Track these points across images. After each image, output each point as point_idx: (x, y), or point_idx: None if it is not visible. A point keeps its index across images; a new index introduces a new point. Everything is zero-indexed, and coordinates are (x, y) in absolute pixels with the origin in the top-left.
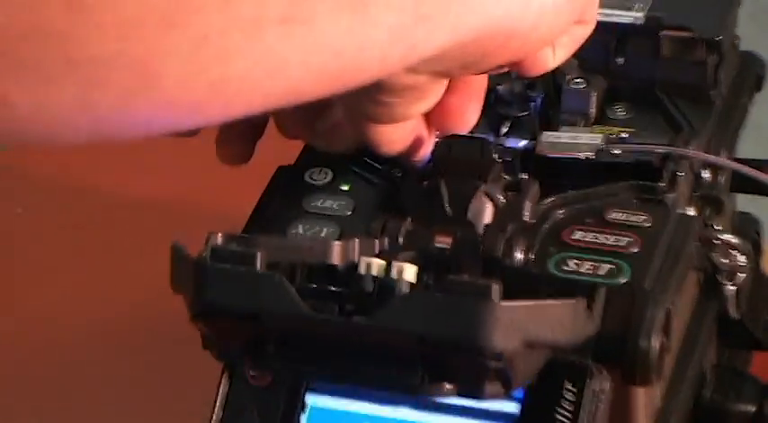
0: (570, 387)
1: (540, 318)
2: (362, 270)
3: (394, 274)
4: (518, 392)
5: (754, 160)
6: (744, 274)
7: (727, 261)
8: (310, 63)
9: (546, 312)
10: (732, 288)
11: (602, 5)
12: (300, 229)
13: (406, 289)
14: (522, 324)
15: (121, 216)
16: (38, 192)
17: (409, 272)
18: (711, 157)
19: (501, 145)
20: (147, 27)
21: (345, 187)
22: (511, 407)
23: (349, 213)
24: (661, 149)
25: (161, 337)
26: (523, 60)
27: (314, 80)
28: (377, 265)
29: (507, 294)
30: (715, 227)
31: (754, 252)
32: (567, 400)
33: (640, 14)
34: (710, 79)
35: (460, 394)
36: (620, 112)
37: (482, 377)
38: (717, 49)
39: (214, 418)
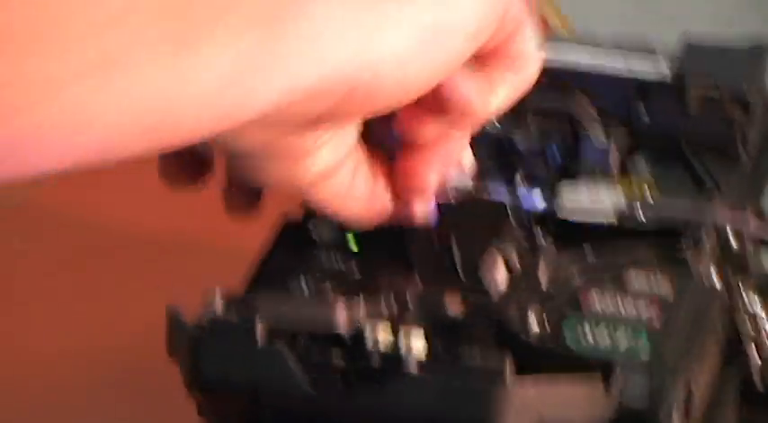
0: None
1: (554, 399)
2: (369, 344)
3: (402, 347)
4: None
5: None
6: None
7: (755, 330)
8: (128, 116)
9: (561, 393)
10: (758, 359)
11: (625, 57)
12: (305, 288)
13: (414, 364)
14: (536, 406)
15: (127, 251)
16: (43, 226)
17: (418, 345)
18: (737, 219)
19: (517, 204)
20: None
21: (352, 243)
22: None
23: (355, 270)
24: (685, 213)
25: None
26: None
27: (135, 133)
28: (384, 336)
29: (521, 367)
30: (741, 293)
31: None
32: None
33: (666, 70)
34: (738, 137)
35: None
36: (642, 165)
37: None
38: (745, 107)
39: None
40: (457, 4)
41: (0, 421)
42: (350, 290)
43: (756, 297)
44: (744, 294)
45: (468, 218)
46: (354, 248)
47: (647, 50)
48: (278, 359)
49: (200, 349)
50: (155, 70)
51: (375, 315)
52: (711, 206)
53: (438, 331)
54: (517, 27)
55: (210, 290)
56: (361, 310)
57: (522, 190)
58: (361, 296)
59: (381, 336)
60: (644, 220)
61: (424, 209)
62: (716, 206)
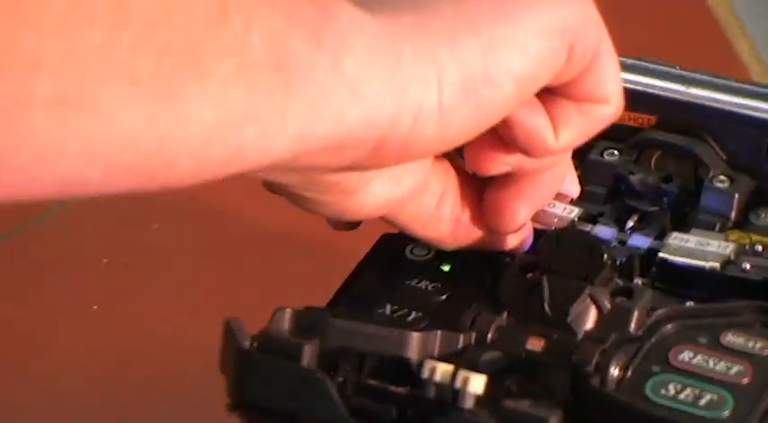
0: None
1: None
2: (426, 374)
3: (458, 383)
4: None
5: None
6: None
7: None
8: (93, 153)
9: None
10: None
11: (753, 98)
12: (388, 310)
13: (470, 401)
14: None
15: (255, 246)
16: (178, 212)
17: (476, 383)
18: None
19: (623, 241)
20: None
21: (445, 267)
22: None
23: (443, 298)
24: None
25: None
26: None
27: (103, 173)
28: (442, 370)
29: (590, 416)
30: None
31: None
32: None
33: None
34: None
35: None
36: (765, 218)
37: None
38: None
39: None
40: (508, 46)
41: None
42: (433, 315)
43: None
44: None
45: (564, 253)
46: (446, 268)
47: None
48: (319, 384)
49: (244, 367)
50: (121, 114)
51: (451, 347)
52: None
53: (515, 366)
54: (591, 63)
55: (281, 308)
56: (437, 341)
57: (630, 229)
58: (439, 327)
59: (439, 375)
60: (748, 270)
61: (515, 242)
62: None
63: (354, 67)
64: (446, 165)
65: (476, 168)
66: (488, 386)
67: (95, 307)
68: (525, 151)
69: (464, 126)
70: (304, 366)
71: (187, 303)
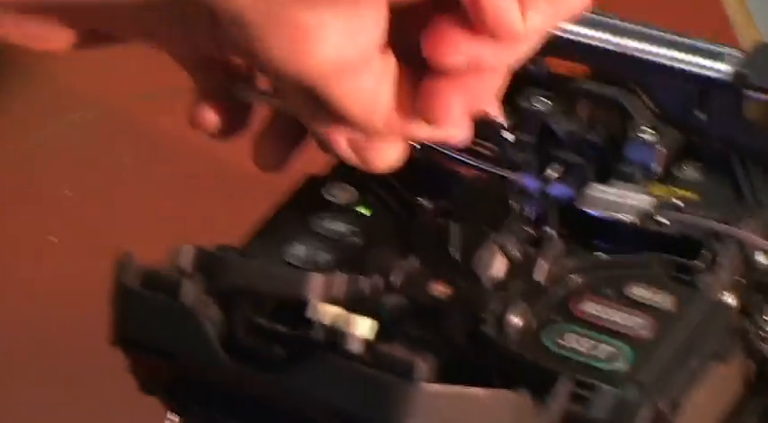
0: None
1: (468, 407)
2: (312, 315)
3: (345, 327)
4: None
5: None
6: None
7: None
8: None
9: (476, 402)
10: None
11: (687, 52)
12: (300, 252)
13: (356, 345)
14: (445, 412)
15: (224, 184)
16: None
17: (362, 327)
18: (759, 241)
19: (543, 191)
20: None
21: (364, 211)
22: None
23: (357, 241)
24: (707, 224)
25: None
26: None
27: None
28: (329, 313)
29: (486, 364)
30: (765, 318)
31: None
32: None
33: (726, 67)
34: None
35: None
36: (688, 172)
37: None
38: None
39: None
40: None
41: None
42: (344, 258)
43: None
44: (766, 319)
45: (475, 200)
46: (366, 212)
47: (718, 48)
48: (196, 322)
49: (126, 302)
50: None
51: (355, 291)
52: (745, 224)
53: (418, 312)
54: None
55: (185, 246)
56: (342, 284)
57: (552, 176)
58: (349, 272)
59: (327, 317)
60: (666, 224)
61: (442, 136)
62: (750, 224)
63: None
64: (389, 52)
65: (433, 55)
66: (384, 331)
67: (55, 239)
68: (492, 32)
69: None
70: (182, 304)
71: (150, 238)
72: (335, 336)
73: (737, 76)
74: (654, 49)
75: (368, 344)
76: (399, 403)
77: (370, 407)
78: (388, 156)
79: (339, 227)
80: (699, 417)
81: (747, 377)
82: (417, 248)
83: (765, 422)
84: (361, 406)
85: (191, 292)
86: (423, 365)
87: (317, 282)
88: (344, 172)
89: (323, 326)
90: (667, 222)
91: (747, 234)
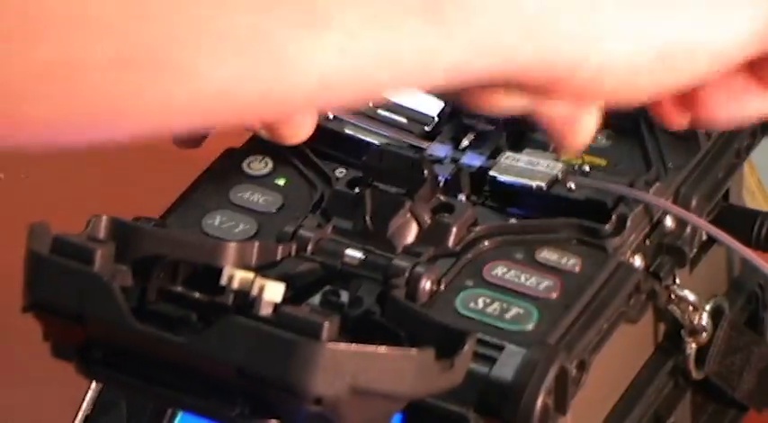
0: None
1: (372, 365)
2: (224, 281)
3: (255, 291)
4: None
5: (747, 210)
6: (705, 333)
7: (687, 317)
8: (175, 109)
9: (379, 361)
10: (692, 346)
11: None
12: (216, 221)
13: (267, 309)
14: (350, 370)
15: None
16: None
17: (272, 291)
18: (667, 205)
19: (456, 159)
20: None
21: (280, 181)
22: None
23: (274, 211)
24: (615, 189)
25: None
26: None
27: (195, 123)
28: (240, 278)
29: (393, 330)
30: (675, 280)
31: (742, 307)
32: None
33: None
34: None
35: None
36: (598, 140)
37: (304, 419)
38: None
39: (81, 410)
40: (716, 23)
41: None
42: (261, 227)
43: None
44: (676, 281)
45: (387, 168)
46: (281, 182)
47: None
48: (104, 286)
49: (35, 267)
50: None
51: (269, 258)
52: (653, 188)
53: (330, 278)
54: None
55: (99, 215)
56: (254, 251)
57: (465, 147)
58: (260, 240)
59: (237, 282)
60: (575, 190)
61: None
62: (658, 189)
63: (536, 8)
64: None
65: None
66: (296, 296)
67: None
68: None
69: (644, 89)
70: (91, 269)
71: (74, 216)
72: (245, 300)
73: None
74: None
75: (276, 307)
76: (304, 362)
77: (276, 366)
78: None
79: (256, 197)
80: (607, 376)
81: (657, 339)
82: (332, 217)
83: (675, 382)
84: (267, 366)
85: (101, 258)
86: (327, 325)
87: (229, 249)
88: (261, 144)
89: (233, 290)
90: (574, 187)
91: (654, 197)
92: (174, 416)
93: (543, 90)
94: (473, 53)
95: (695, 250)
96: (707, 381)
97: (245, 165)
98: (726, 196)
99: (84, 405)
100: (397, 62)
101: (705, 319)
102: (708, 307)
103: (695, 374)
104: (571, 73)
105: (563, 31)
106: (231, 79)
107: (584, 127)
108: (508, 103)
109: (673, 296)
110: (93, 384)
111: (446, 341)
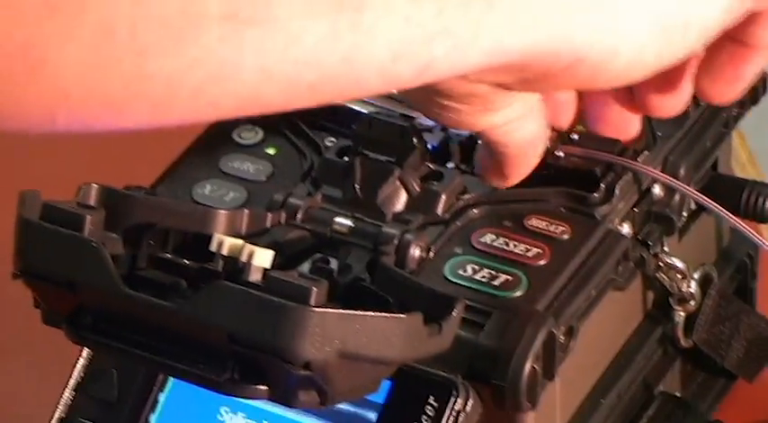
0: (432, 402)
1: (360, 329)
2: (214, 247)
3: (245, 257)
4: (378, 399)
5: (736, 179)
6: (693, 301)
7: (675, 285)
8: (273, 72)
9: (367, 325)
10: (681, 314)
11: None
12: (207, 190)
13: (256, 275)
14: (338, 334)
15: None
16: None
17: (261, 257)
18: (655, 173)
19: (444, 129)
20: (25, 10)
21: (271, 151)
22: (370, 414)
23: (264, 179)
24: (604, 157)
25: None
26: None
27: (282, 90)
28: (229, 244)
29: (383, 296)
30: (663, 248)
31: (733, 276)
32: (427, 415)
33: None
34: None
35: (273, 399)
36: None
37: (294, 384)
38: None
39: (73, 377)
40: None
41: None
42: (251, 196)
43: (681, 255)
44: (665, 249)
45: (376, 137)
46: (271, 151)
47: None
48: (94, 252)
49: (26, 234)
50: (300, 31)
51: (259, 225)
52: (642, 157)
53: (321, 245)
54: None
55: (88, 183)
56: (244, 219)
57: None
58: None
59: (226, 249)
60: (564, 158)
61: None
62: (646, 158)
63: None
64: None
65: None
66: (286, 263)
67: None
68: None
69: (652, 65)
70: (81, 236)
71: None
72: (235, 266)
73: None
74: None
75: (265, 273)
76: (293, 327)
77: (265, 331)
78: None
79: (247, 166)
80: (596, 343)
81: (646, 306)
82: (322, 185)
83: (664, 350)
84: (256, 330)
85: (90, 224)
86: (316, 290)
87: (219, 217)
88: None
89: (222, 257)
90: (563, 155)
91: (642, 166)
92: (164, 383)
93: (562, 73)
94: (510, 30)
95: (684, 219)
96: (696, 349)
97: (235, 134)
98: (715, 166)
99: (76, 373)
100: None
101: (693, 287)
102: (696, 275)
103: (683, 342)
104: (589, 49)
105: (580, 12)
106: (320, 42)
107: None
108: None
109: (661, 264)
110: (85, 352)
111: (435, 307)
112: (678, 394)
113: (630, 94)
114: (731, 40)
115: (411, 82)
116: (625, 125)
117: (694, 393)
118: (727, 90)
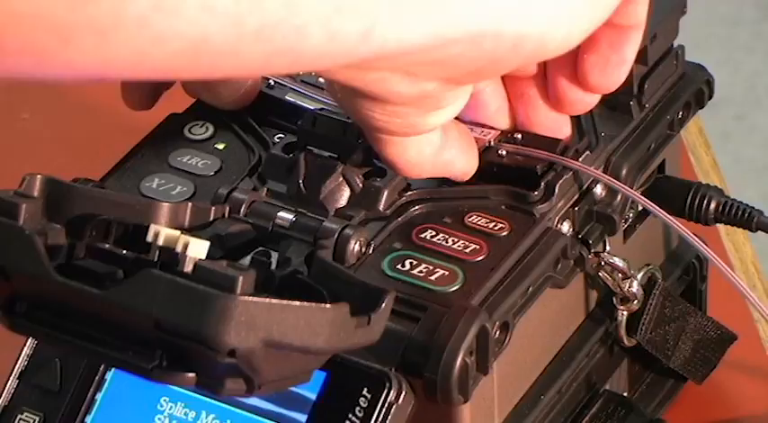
0: (365, 394)
1: (285, 318)
2: (150, 238)
3: (179, 248)
4: (312, 390)
5: (682, 182)
6: (636, 301)
7: (617, 285)
8: (215, 6)
9: (292, 314)
10: (623, 313)
11: None
12: (154, 184)
13: (190, 265)
14: (263, 323)
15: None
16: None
17: (196, 247)
18: (594, 172)
19: None
20: None
21: (220, 146)
22: (303, 406)
23: (211, 174)
24: (543, 156)
25: None
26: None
27: (228, 35)
28: (165, 235)
29: (324, 287)
30: (605, 247)
31: (680, 277)
32: (360, 407)
33: None
34: (632, 89)
35: (200, 386)
36: None
37: (220, 372)
38: (641, 57)
39: (17, 366)
40: None
41: None
42: (198, 190)
43: (624, 254)
44: (607, 249)
45: (321, 133)
46: (221, 146)
47: None
48: (26, 239)
49: None
50: None
51: (202, 219)
52: (583, 157)
53: (262, 240)
54: None
55: (32, 174)
56: (187, 212)
57: None
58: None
59: (162, 239)
60: (505, 156)
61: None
62: (588, 158)
63: None
64: None
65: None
66: (224, 256)
67: None
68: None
69: (587, 27)
70: (15, 224)
71: None
72: (171, 257)
73: None
74: None
75: (198, 263)
76: (217, 314)
77: (191, 319)
78: None
79: (195, 161)
80: (537, 340)
81: (589, 306)
82: (267, 180)
83: (610, 350)
84: (182, 318)
85: (25, 212)
86: (242, 279)
87: (162, 209)
88: (203, 109)
89: (158, 247)
90: (505, 153)
91: (582, 165)
92: (105, 373)
93: (511, 51)
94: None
95: (630, 220)
96: (643, 350)
97: (186, 130)
98: (662, 168)
99: (20, 361)
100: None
101: (636, 287)
102: (639, 275)
103: (627, 341)
104: (529, 22)
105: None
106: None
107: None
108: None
109: (603, 263)
110: (30, 341)
111: (366, 299)
112: (625, 394)
113: (558, 92)
114: (607, 25)
115: (356, 48)
116: (556, 126)
117: (642, 393)
118: (615, 75)
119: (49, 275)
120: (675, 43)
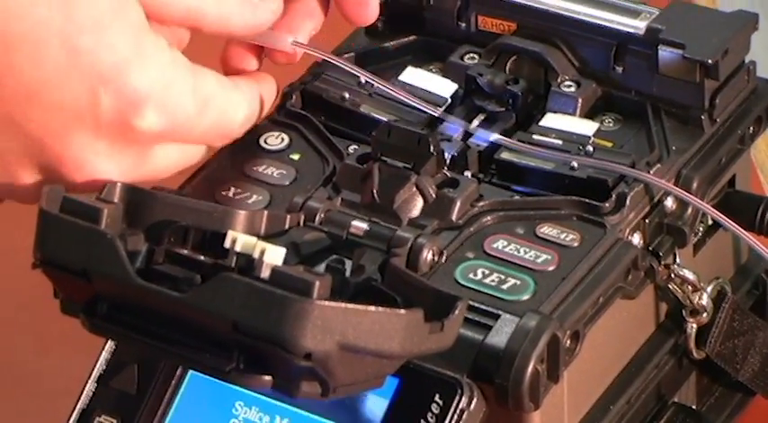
0: (438, 400)
1: (360, 323)
2: (228, 244)
3: (257, 254)
4: (385, 396)
5: (752, 196)
6: (706, 314)
7: (687, 297)
8: None
9: (367, 318)
10: (693, 326)
11: (606, 9)
12: (231, 193)
13: (266, 271)
14: (338, 326)
15: None
16: None
17: (273, 254)
18: (665, 184)
19: (465, 137)
20: None
21: (295, 156)
22: (377, 411)
23: (287, 184)
24: (616, 168)
25: None
26: None
27: None
28: (242, 241)
29: (397, 293)
30: (676, 260)
31: (748, 291)
32: (432, 413)
33: (642, 24)
34: (704, 103)
35: (276, 389)
36: (606, 122)
37: (296, 375)
38: (713, 72)
39: (96, 369)
40: None
41: None
42: (274, 199)
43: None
44: (677, 261)
45: (395, 144)
46: (296, 157)
47: (635, 6)
48: (108, 243)
49: (44, 225)
50: None
51: (277, 227)
52: (655, 170)
53: (337, 247)
54: None
55: (113, 181)
56: (263, 220)
57: (474, 124)
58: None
59: (240, 246)
60: (577, 168)
61: None
62: (659, 170)
63: None
64: None
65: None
66: (301, 263)
67: None
68: None
69: None
70: (98, 228)
71: None
72: (248, 263)
73: (651, 31)
74: (575, 6)
75: (275, 268)
76: (294, 318)
77: (268, 322)
78: None
79: (270, 170)
80: (606, 350)
81: (659, 317)
82: (342, 190)
83: (679, 362)
84: (259, 321)
85: (107, 217)
86: (318, 284)
87: (239, 217)
88: (279, 121)
89: (236, 253)
90: (576, 166)
91: (653, 177)
92: (183, 377)
93: None
94: None
95: (700, 233)
96: (712, 362)
97: (261, 140)
98: (732, 182)
99: (98, 365)
100: None
101: (705, 300)
102: (709, 288)
103: (696, 354)
104: None
105: None
106: None
107: None
108: None
109: (673, 275)
110: (108, 345)
111: (439, 306)
112: (694, 407)
113: None
114: None
115: None
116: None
117: (710, 406)
118: (363, 12)
119: (130, 279)
120: (747, 59)
